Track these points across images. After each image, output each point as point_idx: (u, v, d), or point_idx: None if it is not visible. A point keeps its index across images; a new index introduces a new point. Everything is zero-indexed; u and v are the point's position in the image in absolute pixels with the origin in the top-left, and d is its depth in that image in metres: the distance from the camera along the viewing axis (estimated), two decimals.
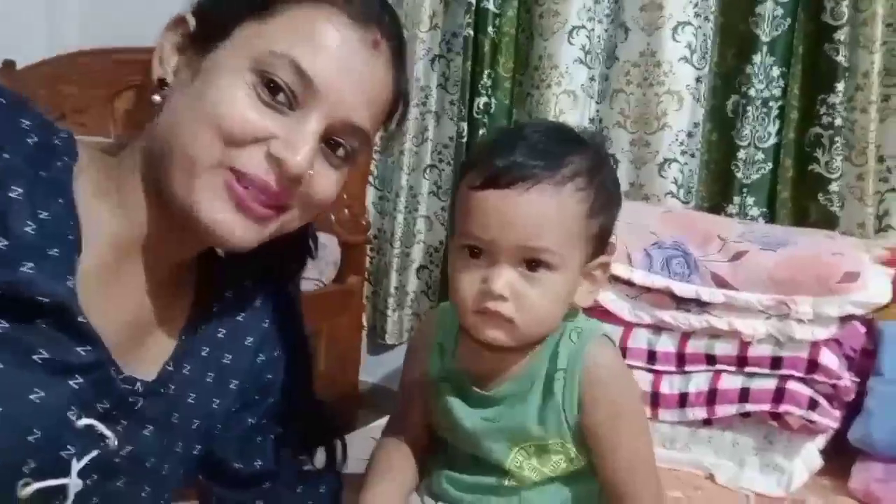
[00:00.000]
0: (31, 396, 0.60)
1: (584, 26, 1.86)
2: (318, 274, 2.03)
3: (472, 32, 1.94)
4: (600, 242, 0.78)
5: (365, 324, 2.31)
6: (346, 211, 2.08)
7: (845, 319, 1.24)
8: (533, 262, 0.74)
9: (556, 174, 0.73)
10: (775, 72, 1.69)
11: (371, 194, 2.25)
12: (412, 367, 0.91)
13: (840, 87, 1.58)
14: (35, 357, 0.60)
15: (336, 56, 0.66)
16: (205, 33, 0.66)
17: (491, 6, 1.92)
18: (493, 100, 1.96)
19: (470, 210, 0.75)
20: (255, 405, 0.84)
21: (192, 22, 0.67)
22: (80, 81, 2.05)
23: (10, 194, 0.59)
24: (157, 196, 0.67)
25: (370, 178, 2.25)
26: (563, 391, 0.77)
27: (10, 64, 2.21)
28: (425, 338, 0.89)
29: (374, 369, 2.32)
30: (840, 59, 1.58)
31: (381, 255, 2.28)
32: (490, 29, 1.92)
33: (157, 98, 0.66)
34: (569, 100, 1.88)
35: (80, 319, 0.61)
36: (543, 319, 0.77)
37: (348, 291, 2.15)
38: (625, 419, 0.79)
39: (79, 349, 0.62)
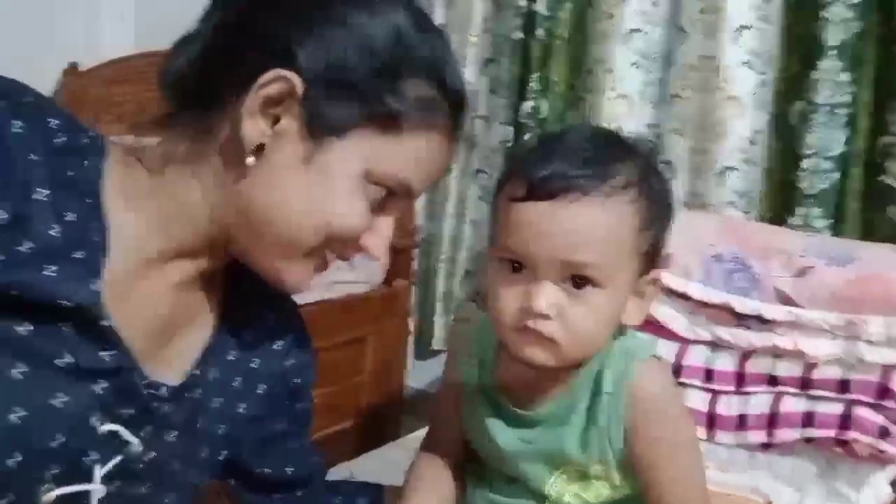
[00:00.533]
0: (54, 401, 0.59)
1: (640, 29, 1.81)
2: (365, 277, 2.02)
3: (521, 35, 1.90)
4: (651, 257, 0.74)
5: (412, 329, 2.29)
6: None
7: None
8: (578, 279, 0.70)
9: (603, 184, 0.69)
10: (843, 77, 1.61)
11: (420, 199, 2.23)
12: (450, 379, 0.88)
13: None
14: (58, 361, 0.59)
15: (436, 172, 0.71)
16: (319, 119, 0.63)
17: (541, 9, 1.88)
18: (542, 104, 1.92)
19: (510, 222, 0.71)
20: (283, 410, 0.83)
21: (299, 87, 0.62)
22: (138, 83, 2.07)
23: (36, 196, 0.58)
24: (216, 235, 0.68)
25: None
26: (608, 416, 0.73)
27: (73, 66, 2.25)
28: (464, 348, 0.85)
29: (420, 375, 2.30)
30: None
31: (429, 259, 2.26)
32: (540, 32, 1.88)
33: (251, 160, 0.64)
34: (624, 104, 1.83)
35: (103, 323, 0.60)
36: (589, 340, 0.73)
37: (395, 295, 2.13)
38: (675, 450, 0.74)
39: (102, 354, 0.61)
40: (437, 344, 2.25)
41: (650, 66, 1.84)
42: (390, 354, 2.17)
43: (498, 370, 0.80)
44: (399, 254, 2.13)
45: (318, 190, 0.64)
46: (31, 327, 0.58)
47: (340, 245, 0.68)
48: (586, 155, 0.70)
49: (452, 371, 0.85)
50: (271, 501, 0.86)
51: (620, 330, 0.76)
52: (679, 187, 1.79)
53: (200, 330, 0.74)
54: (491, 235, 0.77)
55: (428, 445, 0.88)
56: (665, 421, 0.73)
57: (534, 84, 1.91)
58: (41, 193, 0.59)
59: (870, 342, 1.15)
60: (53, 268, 0.58)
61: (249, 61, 0.63)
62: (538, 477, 0.77)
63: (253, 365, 0.78)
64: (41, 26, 2.10)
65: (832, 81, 1.62)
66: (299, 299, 0.83)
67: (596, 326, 0.72)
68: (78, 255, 0.60)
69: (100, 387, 0.62)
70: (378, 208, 0.67)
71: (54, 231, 0.59)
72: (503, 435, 0.78)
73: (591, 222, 0.69)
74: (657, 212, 0.72)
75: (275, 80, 0.62)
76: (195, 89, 0.66)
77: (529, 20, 1.89)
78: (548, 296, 0.69)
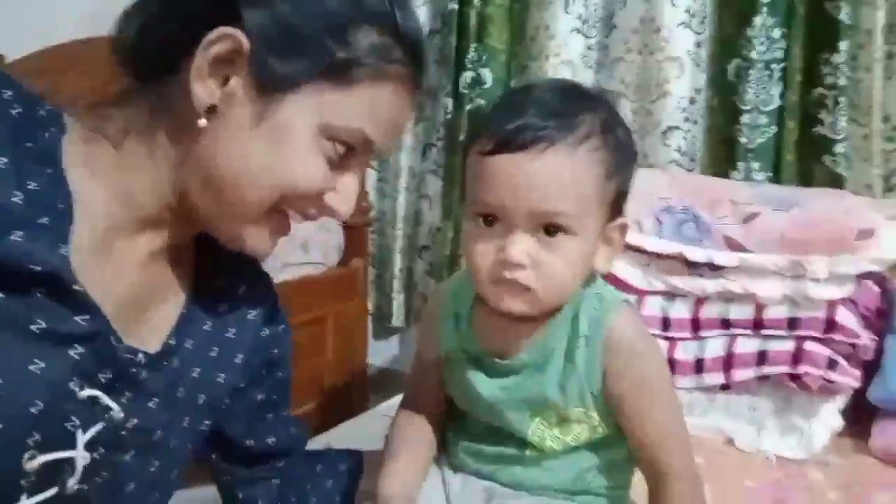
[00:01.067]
0: (31, 367, 0.58)
1: None
2: (321, 258, 2.01)
3: (457, 6, 1.91)
4: (618, 204, 0.76)
5: (370, 308, 2.29)
6: None
7: (860, 278, 1.23)
8: (550, 227, 0.71)
9: (569, 134, 0.70)
10: (776, 33, 1.67)
11: (371, 176, 2.23)
12: (426, 340, 0.89)
13: (843, 45, 1.57)
14: (33, 327, 0.58)
15: (397, 126, 0.69)
16: (268, 75, 0.63)
17: None
18: (484, 73, 1.93)
19: (481, 176, 0.72)
20: (262, 380, 0.83)
21: (245, 44, 0.61)
22: (82, 71, 2.00)
23: None
24: (179, 202, 0.67)
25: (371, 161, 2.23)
26: (584, 360, 0.75)
27: None
28: (439, 309, 0.86)
29: (381, 353, 2.31)
30: (842, 16, 1.56)
31: (384, 237, 2.26)
32: (476, 1, 1.89)
33: (203, 122, 0.63)
34: (567, 70, 1.85)
35: (75, 288, 0.60)
36: (563, 286, 0.75)
37: (352, 274, 2.13)
38: (651, 388, 0.77)
39: (77, 318, 0.61)
40: (396, 321, 2.26)
41: (591, 30, 1.87)
42: (351, 334, 2.17)
43: (475, 325, 0.82)
44: (353, 232, 2.12)
45: (272, 148, 0.64)
46: (2, 295, 0.57)
47: (301, 204, 0.68)
48: (552, 107, 0.72)
49: (432, 336, 0.87)
50: (253, 473, 0.86)
51: (591, 277, 0.79)
52: None
53: (173, 302, 0.74)
54: (463, 192, 0.78)
55: (407, 404, 0.90)
56: (643, 362, 0.76)
57: (473, 54, 1.92)
58: (1, 161, 0.58)
59: (815, 280, 1.20)
60: (19, 233, 0.57)
61: (196, 23, 0.62)
62: (520, 423, 0.79)
63: (229, 335, 0.78)
64: None
65: (766, 38, 1.67)
66: None
67: (569, 272, 0.74)
68: (43, 220, 0.59)
69: (76, 352, 0.61)
70: (340, 165, 0.67)
71: (17, 199, 0.58)
72: (485, 386, 0.80)
73: (560, 172, 0.70)
74: (621, 160, 0.74)
75: (221, 39, 0.61)
76: (148, 58, 0.66)
77: None
78: (521, 246, 0.71)
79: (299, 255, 1.93)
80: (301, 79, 0.63)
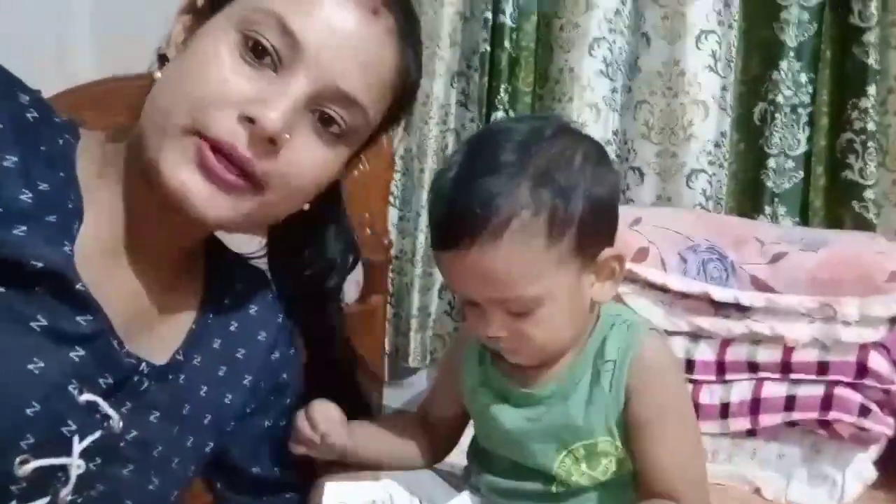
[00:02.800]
0: (30, 366, 0.57)
1: (604, 38, 1.84)
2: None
3: (488, 48, 1.93)
4: (591, 244, 0.71)
5: (386, 347, 2.26)
6: (368, 230, 2.06)
7: (893, 321, 1.19)
8: (514, 310, 0.71)
9: (489, 221, 0.66)
10: (803, 77, 1.66)
11: (392, 214, 2.23)
12: (447, 374, 0.88)
13: (871, 90, 1.55)
14: (32, 324, 0.57)
15: (327, 15, 0.62)
16: (206, 4, 0.65)
17: (508, 21, 1.91)
18: (510, 115, 1.94)
19: (441, 266, 0.74)
20: (270, 406, 0.82)
21: None
22: (102, 108, 2.05)
23: (3, 163, 0.57)
24: (144, 175, 0.65)
25: (392, 199, 2.22)
26: (610, 384, 0.73)
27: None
28: (463, 345, 0.85)
29: (396, 394, 2.27)
30: (870, 61, 1.54)
31: (403, 275, 2.24)
32: (507, 44, 1.91)
33: (158, 75, 0.64)
34: (591, 113, 1.85)
35: (78, 287, 0.59)
36: (555, 342, 0.74)
37: (371, 311, 2.11)
38: (672, 412, 0.74)
39: (78, 318, 0.60)
40: (413, 362, 2.23)
41: (615, 73, 1.87)
42: (368, 373, 2.14)
43: (500, 360, 0.80)
44: (374, 269, 2.11)
45: (189, 59, 0.63)
46: (2, 289, 0.56)
47: (217, 118, 0.61)
48: (470, 188, 0.68)
49: (450, 372, 0.86)
50: (260, 502, 0.84)
51: (611, 305, 0.77)
52: (649, 192, 1.82)
53: (183, 317, 0.73)
54: None
55: (419, 407, 0.92)
56: (664, 386, 0.74)
57: (502, 95, 1.93)
58: (10, 161, 0.57)
59: (845, 323, 1.16)
60: (23, 228, 0.56)
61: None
62: (546, 457, 0.76)
63: (238, 355, 0.77)
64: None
65: (792, 82, 1.66)
66: None
67: (555, 333, 0.73)
68: (50, 218, 0.59)
69: (76, 353, 0.60)
70: (270, 69, 0.62)
71: (25, 197, 0.57)
72: (510, 417, 0.78)
73: (496, 263, 0.67)
74: (569, 209, 0.69)
75: (189, 3, 0.66)
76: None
77: (496, 32, 1.91)
78: (495, 325, 0.71)
79: None
80: None
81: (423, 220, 2.15)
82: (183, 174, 0.61)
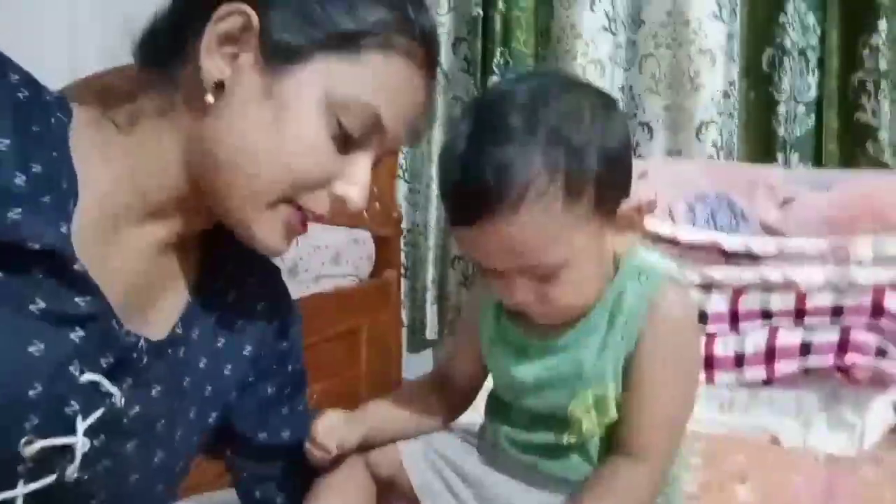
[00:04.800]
0: (30, 349, 0.57)
1: None
2: (353, 269, 2.00)
3: (481, 12, 1.90)
4: (609, 199, 0.69)
5: (405, 320, 2.27)
6: (377, 204, 2.05)
7: None
8: (539, 274, 0.69)
9: (505, 194, 0.64)
10: (810, 19, 1.62)
11: (402, 188, 2.22)
12: (463, 328, 0.87)
13: (882, 25, 1.50)
14: (32, 307, 0.57)
15: (411, 110, 0.67)
16: (276, 48, 0.62)
17: None
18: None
19: (457, 239, 0.72)
20: (272, 374, 0.81)
21: (254, 19, 0.61)
22: None
23: None
24: (188, 183, 0.65)
25: (400, 172, 2.22)
26: (623, 330, 0.72)
27: None
28: (480, 301, 0.85)
29: (416, 366, 2.28)
30: None
31: (416, 249, 2.24)
32: (500, 4, 1.87)
33: (210, 99, 0.62)
34: (595, 70, 1.82)
35: (76, 268, 0.58)
36: (579, 300, 0.72)
37: (385, 286, 2.11)
38: (676, 371, 0.72)
39: (77, 299, 0.59)
40: (430, 333, 2.23)
41: (618, 28, 1.83)
42: (385, 346, 2.15)
43: (517, 314, 0.80)
44: (385, 243, 2.11)
45: (278, 122, 0.62)
46: (0, 272, 0.56)
47: (308, 189, 0.65)
48: (482, 162, 0.66)
49: (468, 327, 0.85)
50: (269, 469, 0.84)
51: (632, 250, 0.75)
52: (659, 146, 1.79)
53: (180, 291, 0.73)
54: None
55: (432, 377, 0.88)
56: (677, 342, 0.71)
57: (499, 59, 1.90)
58: (2, 143, 0.57)
59: (859, 263, 1.13)
60: (18, 210, 0.56)
61: (207, 3, 0.61)
62: (560, 404, 0.75)
63: (237, 326, 0.77)
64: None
65: (800, 24, 1.62)
66: None
67: (580, 291, 0.71)
68: (45, 199, 0.58)
69: (77, 334, 0.60)
70: (349, 148, 0.65)
71: (19, 179, 0.57)
72: (527, 369, 0.76)
73: (515, 234, 0.66)
74: (584, 168, 0.66)
75: (229, 15, 0.60)
76: (161, 44, 0.65)
77: None
78: (521, 292, 0.69)
79: (331, 267, 1.92)
80: (308, 49, 0.62)
81: (434, 192, 2.14)
82: (275, 240, 0.67)
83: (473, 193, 0.65)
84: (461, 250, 0.72)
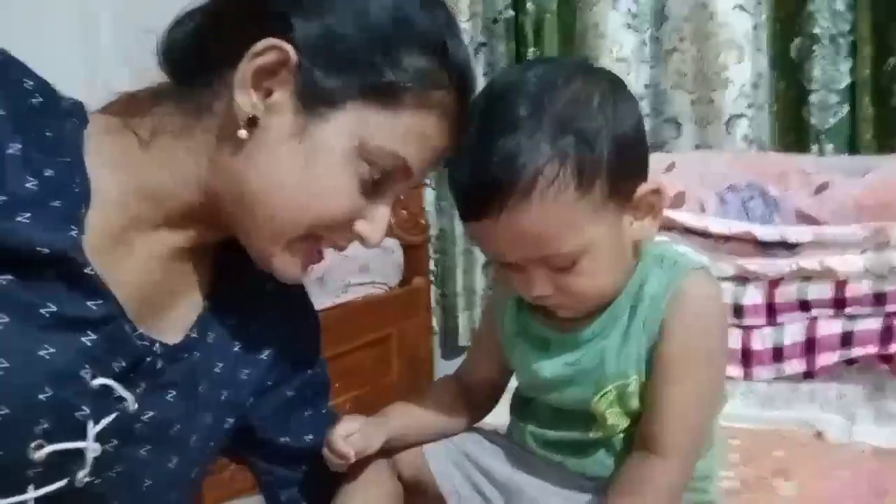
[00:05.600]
0: (41, 353, 0.56)
1: None
2: (382, 278, 1.99)
3: (512, 13, 1.89)
4: (624, 184, 0.68)
5: (437, 328, 2.26)
6: (404, 212, 2.05)
7: None
8: (557, 265, 0.68)
9: (516, 185, 0.63)
10: (840, 5, 1.58)
11: (429, 195, 2.22)
12: (488, 324, 0.86)
13: None
14: (42, 311, 0.56)
15: (439, 154, 0.67)
16: (313, 89, 0.61)
17: None
18: None
19: (472, 235, 0.71)
20: (292, 378, 0.80)
21: (293, 56, 0.60)
22: None
23: (9, 151, 0.56)
24: (205, 204, 0.65)
25: (427, 180, 2.21)
26: (645, 319, 0.69)
27: None
28: (499, 295, 0.83)
29: (449, 373, 2.26)
30: None
31: (445, 256, 2.23)
32: (530, 6, 1.87)
33: (243, 133, 0.61)
34: (622, 68, 1.80)
35: (87, 271, 0.58)
36: (601, 290, 0.70)
37: (415, 293, 2.10)
38: (700, 360, 0.69)
39: (89, 303, 0.59)
40: (462, 340, 2.21)
41: (642, 24, 1.81)
42: (416, 353, 2.14)
43: (539, 307, 0.78)
44: (414, 251, 2.11)
45: (308, 165, 0.62)
46: (11, 277, 0.56)
47: (331, 229, 0.65)
48: (493, 149, 0.65)
49: (489, 322, 0.84)
50: (294, 473, 0.83)
51: (654, 243, 0.73)
52: (688, 142, 1.76)
53: (195, 296, 0.72)
54: None
55: (458, 373, 0.87)
56: (703, 330, 0.69)
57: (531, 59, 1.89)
58: (13, 148, 0.57)
59: None
60: (27, 215, 0.56)
61: (244, 31, 0.60)
62: (583, 399, 0.73)
63: (253, 331, 0.76)
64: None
65: (829, 11, 1.58)
66: (317, 305, 0.83)
67: (599, 280, 0.69)
68: (55, 203, 0.58)
69: (88, 339, 0.59)
70: (374, 192, 0.65)
71: (30, 184, 0.57)
72: (549, 364, 0.75)
73: (528, 224, 0.64)
74: (595, 155, 0.65)
75: (268, 50, 0.59)
76: (192, 62, 0.64)
77: None
78: (539, 284, 0.68)
79: (360, 276, 1.92)
80: (346, 96, 0.61)
81: None
82: (293, 272, 0.68)
83: (482, 186, 0.64)
84: (477, 246, 0.71)
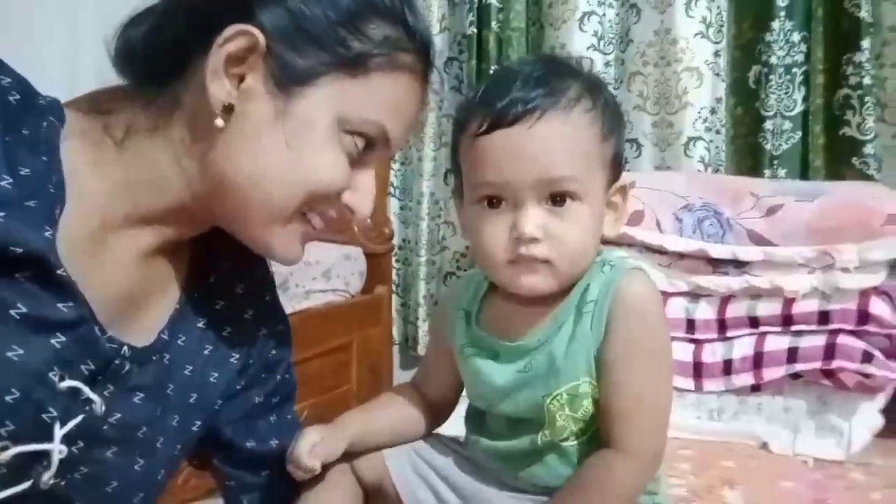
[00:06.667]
0: (9, 354, 0.56)
1: (594, 12, 1.84)
2: (344, 285, 2.00)
3: (475, 30, 1.93)
4: (616, 167, 0.75)
5: (396, 337, 2.26)
6: (369, 220, 2.06)
7: (893, 266, 1.17)
8: (557, 196, 0.70)
9: (560, 100, 0.70)
10: (796, 37, 1.65)
11: (393, 205, 2.23)
12: (437, 338, 0.87)
13: (866, 44, 1.53)
14: (12, 312, 0.56)
15: (410, 117, 0.69)
16: (284, 69, 0.62)
17: (494, 1, 1.91)
18: None
19: (479, 158, 0.72)
20: (260, 382, 0.80)
21: (261, 40, 0.61)
22: None
23: None
24: (188, 198, 0.65)
25: (391, 189, 2.23)
26: (591, 322, 0.72)
27: None
28: (447, 308, 0.85)
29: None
30: (863, 14, 1.53)
31: (408, 265, 2.24)
32: (494, 24, 1.91)
33: (220, 122, 0.62)
34: None
35: (59, 273, 0.58)
36: (580, 253, 0.73)
37: (376, 302, 2.11)
38: (642, 351, 0.72)
39: (60, 305, 0.58)
40: (422, 350, 2.22)
41: (608, 46, 1.86)
42: (376, 362, 2.14)
43: (486, 318, 0.80)
44: (377, 259, 2.11)
45: (294, 143, 0.63)
46: None
47: (323, 203, 0.67)
48: (536, 78, 0.71)
49: (441, 336, 0.85)
50: (261, 478, 0.83)
51: (599, 250, 0.76)
52: (646, 162, 1.80)
53: (167, 298, 0.72)
54: (458, 181, 0.77)
55: (410, 383, 0.89)
56: (643, 323, 0.72)
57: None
58: None
59: (845, 270, 1.14)
60: (2, 213, 0.55)
61: (209, 22, 0.61)
62: (535, 404, 0.75)
63: (224, 333, 0.76)
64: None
65: (785, 42, 1.65)
66: None
67: (583, 238, 0.72)
68: (31, 203, 0.57)
69: (58, 340, 0.59)
70: (357, 162, 0.66)
71: (5, 182, 0.56)
72: (499, 374, 0.77)
73: (559, 137, 0.69)
74: (613, 120, 0.73)
75: (237, 36, 0.60)
76: (155, 60, 0.65)
77: (482, 14, 1.91)
78: (534, 218, 0.70)
79: (322, 282, 1.92)
80: (318, 71, 0.63)
81: (425, 209, 2.15)
82: (290, 251, 0.68)
83: (531, 93, 0.70)
84: (481, 173, 0.73)
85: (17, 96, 0.60)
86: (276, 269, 0.84)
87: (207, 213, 0.67)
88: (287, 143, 0.63)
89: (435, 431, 0.88)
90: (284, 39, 0.62)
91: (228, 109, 0.62)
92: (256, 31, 0.60)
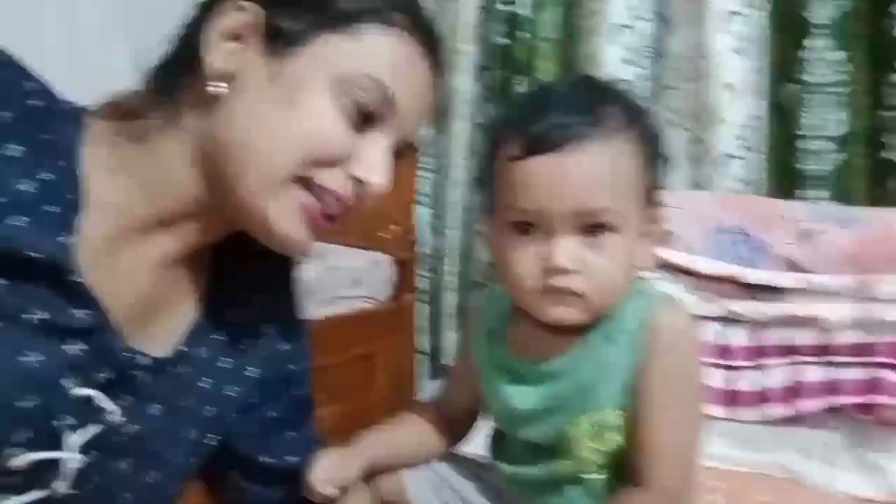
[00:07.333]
0: (24, 359, 0.56)
1: (627, 25, 1.81)
2: (371, 292, 2.00)
3: (507, 40, 1.91)
4: (653, 197, 0.73)
5: (424, 346, 2.25)
6: (394, 227, 2.06)
7: None
8: (593, 227, 0.68)
9: (600, 128, 0.68)
10: (836, 56, 1.61)
11: (424, 213, 2.22)
12: (464, 354, 0.86)
13: None
14: (27, 317, 0.56)
15: (414, 84, 0.67)
16: (277, 34, 0.64)
17: (525, 12, 1.89)
18: None
19: (513, 182, 0.70)
20: (276, 397, 0.80)
21: (253, 11, 0.63)
22: None
23: (8, 153, 0.56)
24: (203, 187, 0.66)
25: (423, 198, 2.22)
26: (623, 351, 0.71)
27: None
28: (473, 326, 0.84)
29: (433, 392, 2.26)
30: None
31: (438, 274, 2.23)
32: (524, 34, 1.88)
33: (223, 88, 0.63)
34: None
35: (75, 279, 0.58)
36: (612, 287, 0.71)
37: (403, 310, 2.11)
38: (674, 390, 0.70)
39: (76, 312, 0.59)
40: (449, 360, 2.21)
41: (641, 59, 1.83)
42: (401, 371, 2.14)
43: (511, 339, 0.79)
44: (404, 267, 2.11)
45: (290, 103, 0.63)
46: (0, 280, 0.55)
47: (323, 166, 0.64)
48: (577, 103, 0.70)
49: (467, 354, 0.85)
50: (276, 493, 0.83)
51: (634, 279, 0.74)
52: (680, 179, 1.77)
53: (187, 309, 0.72)
54: (489, 202, 0.75)
55: (433, 404, 0.89)
56: (676, 362, 0.70)
57: (519, 87, 1.90)
58: (14, 150, 0.57)
59: (887, 301, 1.11)
60: (22, 218, 0.56)
61: (201, 10, 0.64)
62: (558, 432, 0.74)
63: (242, 347, 0.76)
64: None
65: (824, 61, 1.61)
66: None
67: (617, 272, 0.70)
68: (50, 209, 0.58)
69: (73, 347, 0.59)
70: (363, 128, 0.65)
71: (26, 187, 0.57)
72: (523, 398, 0.76)
73: (597, 167, 0.68)
74: (653, 149, 0.72)
75: (227, 11, 0.63)
76: (165, 64, 0.67)
77: (513, 23, 1.89)
78: (568, 250, 0.68)
79: (349, 289, 1.92)
80: (310, 32, 0.63)
81: (456, 218, 2.14)
82: (292, 228, 0.65)
83: (570, 119, 0.68)
84: (514, 198, 0.70)
85: (39, 102, 0.61)
86: (303, 274, 0.83)
87: (222, 211, 0.66)
88: (282, 104, 0.63)
89: (457, 450, 0.87)
90: (275, 6, 0.63)
91: (226, 78, 0.63)
92: (246, 3, 0.63)
